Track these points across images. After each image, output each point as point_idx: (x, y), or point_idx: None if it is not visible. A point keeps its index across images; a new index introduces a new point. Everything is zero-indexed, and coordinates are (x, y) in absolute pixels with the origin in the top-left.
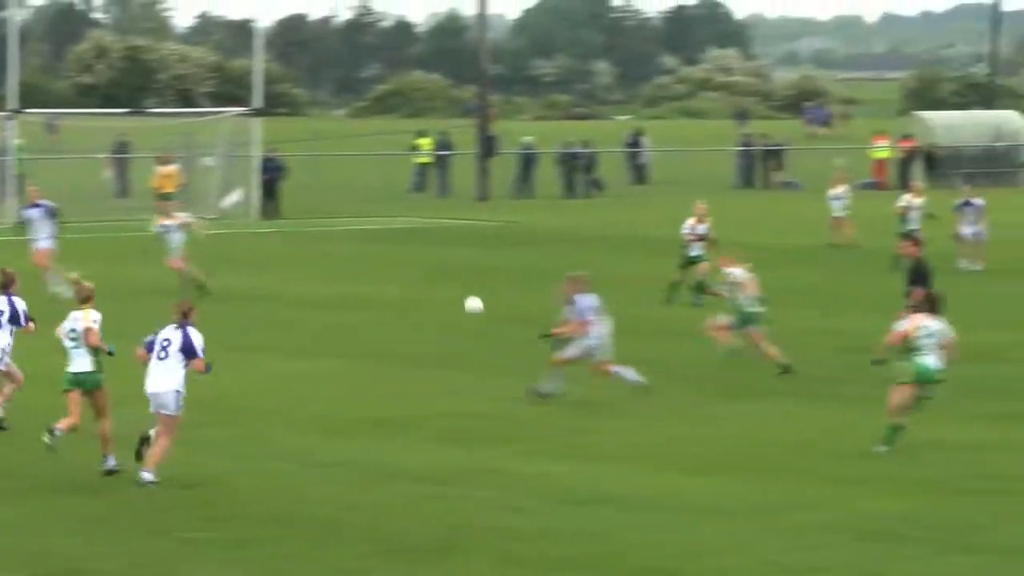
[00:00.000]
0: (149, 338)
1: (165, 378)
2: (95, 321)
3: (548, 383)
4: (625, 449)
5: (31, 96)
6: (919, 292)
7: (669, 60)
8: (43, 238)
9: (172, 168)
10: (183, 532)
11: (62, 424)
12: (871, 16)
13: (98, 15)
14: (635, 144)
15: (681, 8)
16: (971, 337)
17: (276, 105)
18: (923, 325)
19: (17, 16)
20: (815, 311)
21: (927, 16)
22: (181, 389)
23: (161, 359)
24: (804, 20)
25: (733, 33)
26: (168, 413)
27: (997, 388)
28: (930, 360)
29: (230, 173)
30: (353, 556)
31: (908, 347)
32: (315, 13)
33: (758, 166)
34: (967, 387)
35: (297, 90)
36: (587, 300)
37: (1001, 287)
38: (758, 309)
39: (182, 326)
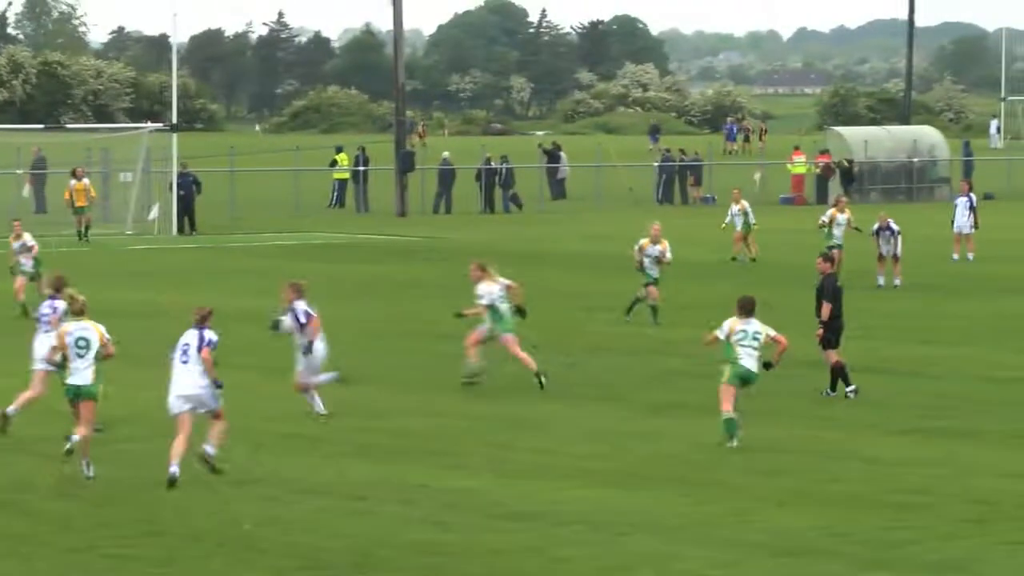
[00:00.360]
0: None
1: (192, 379)
2: (107, 334)
3: (315, 404)
4: (549, 464)
5: None
6: (827, 308)
7: (585, 76)
8: None
9: (85, 182)
10: (105, 549)
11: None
12: (786, 32)
13: (12, 30)
14: (553, 159)
15: (596, 24)
16: (892, 352)
17: (193, 120)
18: (739, 328)
19: None
20: None
21: (841, 32)
22: (207, 385)
23: (184, 362)
24: (720, 35)
25: (649, 49)
26: (210, 408)
27: (917, 403)
28: (746, 361)
29: (148, 188)
30: (273, 573)
31: (726, 349)
32: (230, 29)
33: (677, 181)
34: (888, 401)
35: (214, 105)
36: (304, 307)
37: (919, 302)
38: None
39: (200, 328)
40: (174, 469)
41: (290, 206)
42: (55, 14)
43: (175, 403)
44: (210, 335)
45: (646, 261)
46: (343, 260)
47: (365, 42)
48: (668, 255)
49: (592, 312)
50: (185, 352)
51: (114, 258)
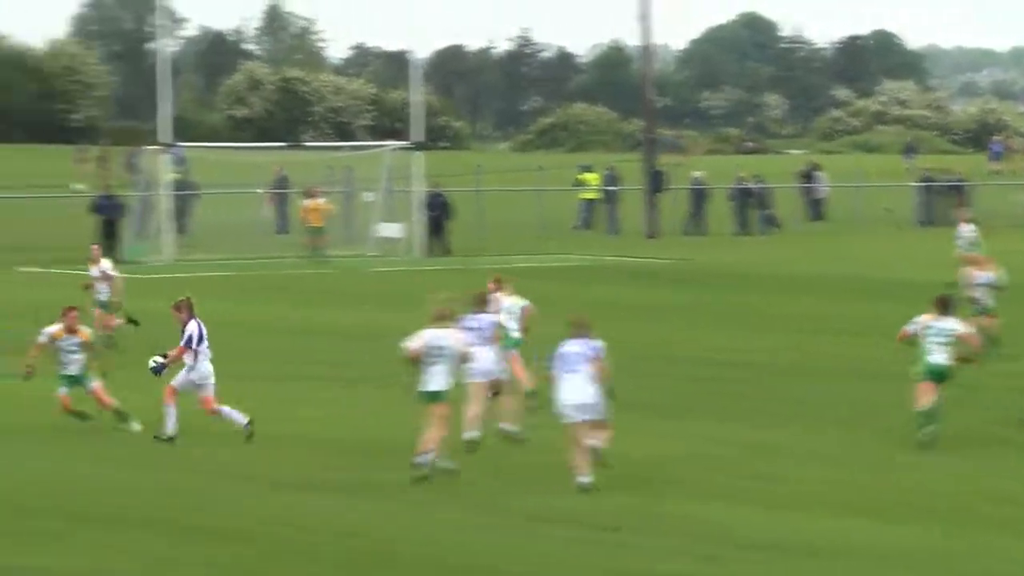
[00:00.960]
0: (554, 354)
1: (582, 389)
2: (468, 343)
3: (168, 422)
4: (806, 494)
5: (184, 129)
6: None
7: (842, 92)
8: None
9: (318, 202)
10: None
11: (426, 446)
12: None
13: (250, 46)
14: (810, 179)
15: (854, 39)
16: None
17: (436, 138)
18: (930, 324)
19: (168, 48)
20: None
21: None
22: (598, 396)
23: (575, 372)
24: (982, 51)
25: (908, 64)
26: (597, 418)
27: None
28: (935, 356)
29: (391, 208)
30: None
31: (918, 345)
32: (473, 44)
33: (939, 202)
34: None
35: (458, 123)
36: (199, 327)
37: None
38: (519, 335)
39: (582, 337)
40: (583, 479)
41: (536, 226)
42: (294, 30)
43: (568, 412)
44: (596, 343)
45: (978, 291)
46: (591, 282)
47: (613, 58)
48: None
49: (861, 337)
50: (575, 363)
51: (356, 280)
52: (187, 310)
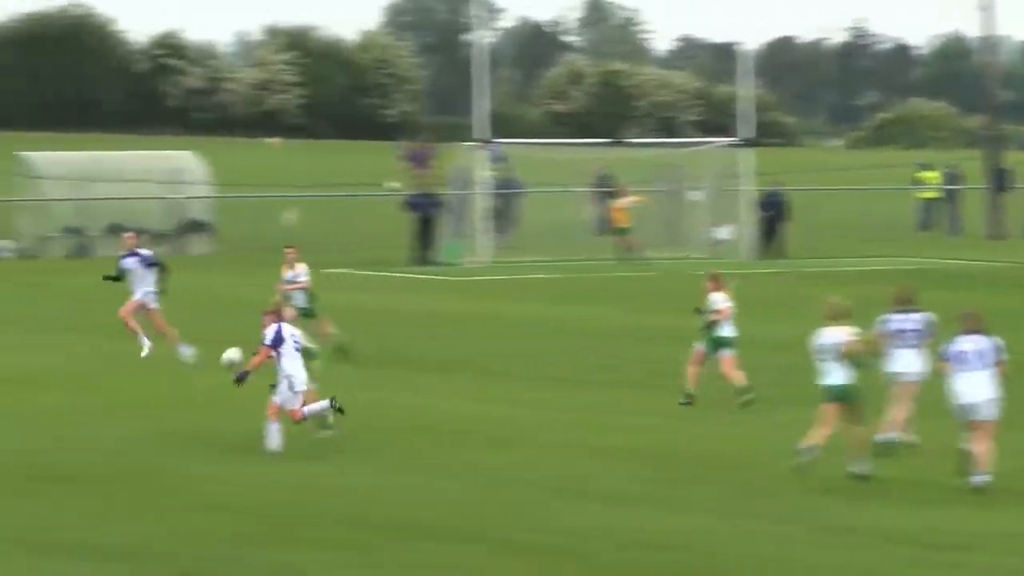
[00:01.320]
0: (947, 350)
1: (982, 387)
2: (852, 334)
3: (271, 440)
4: None
5: (501, 125)
6: None
7: None
8: (141, 291)
9: (627, 201)
10: None
11: (811, 439)
12: None
13: (570, 38)
14: None
15: None
16: None
17: (764, 134)
18: None
19: (485, 40)
20: None
21: None
22: (995, 396)
23: (977, 369)
24: None
25: None
26: (985, 419)
27: None
28: None
29: (719, 208)
30: None
31: None
32: (805, 35)
33: None
34: None
35: (788, 118)
36: (277, 328)
37: None
38: (732, 334)
39: (983, 334)
40: (978, 479)
41: (871, 227)
42: (616, 21)
43: (963, 410)
44: (995, 340)
45: None
46: (928, 287)
47: (953, 50)
48: None
49: None
50: (978, 359)
51: (679, 283)
52: (275, 315)
